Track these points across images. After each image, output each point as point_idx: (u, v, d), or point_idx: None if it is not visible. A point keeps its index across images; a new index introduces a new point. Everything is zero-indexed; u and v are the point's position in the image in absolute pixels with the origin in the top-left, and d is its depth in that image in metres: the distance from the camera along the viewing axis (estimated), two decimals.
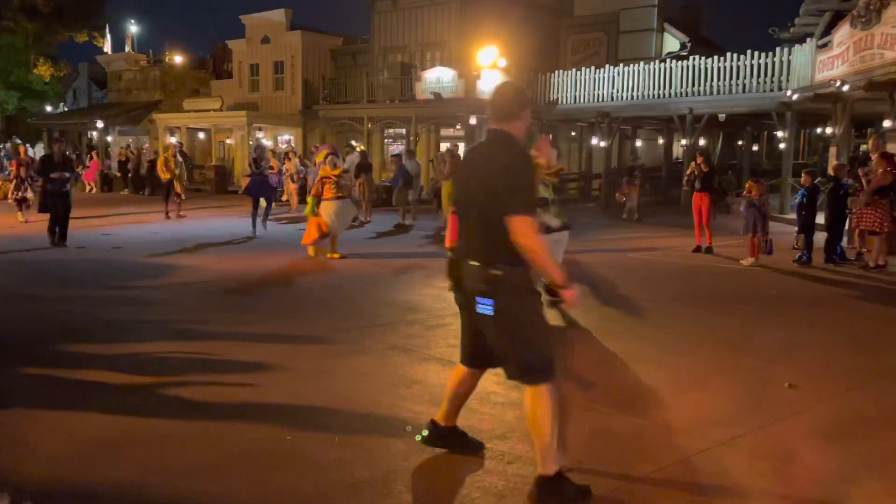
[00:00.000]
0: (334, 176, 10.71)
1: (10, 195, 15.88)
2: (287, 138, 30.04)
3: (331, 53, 30.13)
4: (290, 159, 20.22)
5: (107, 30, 38.91)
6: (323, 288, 8.85)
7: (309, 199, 10.99)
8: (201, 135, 31.38)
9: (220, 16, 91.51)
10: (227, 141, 30.91)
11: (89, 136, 34.51)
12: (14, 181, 15.60)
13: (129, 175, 26.89)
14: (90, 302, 7.71)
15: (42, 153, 26.09)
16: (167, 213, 16.76)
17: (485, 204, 3.29)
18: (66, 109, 43.54)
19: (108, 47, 38.70)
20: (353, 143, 23.49)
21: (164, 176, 16.77)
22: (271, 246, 12.41)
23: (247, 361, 5.59)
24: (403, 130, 25.29)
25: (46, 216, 12.11)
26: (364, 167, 17.34)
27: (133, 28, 37.20)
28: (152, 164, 25.92)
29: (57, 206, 11.83)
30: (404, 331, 6.56)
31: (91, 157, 27.75)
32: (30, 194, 15.28)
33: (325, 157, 11.00)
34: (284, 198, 20.10)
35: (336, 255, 10.84)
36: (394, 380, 5.14)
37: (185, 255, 11.17)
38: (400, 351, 5.90)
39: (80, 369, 5.28)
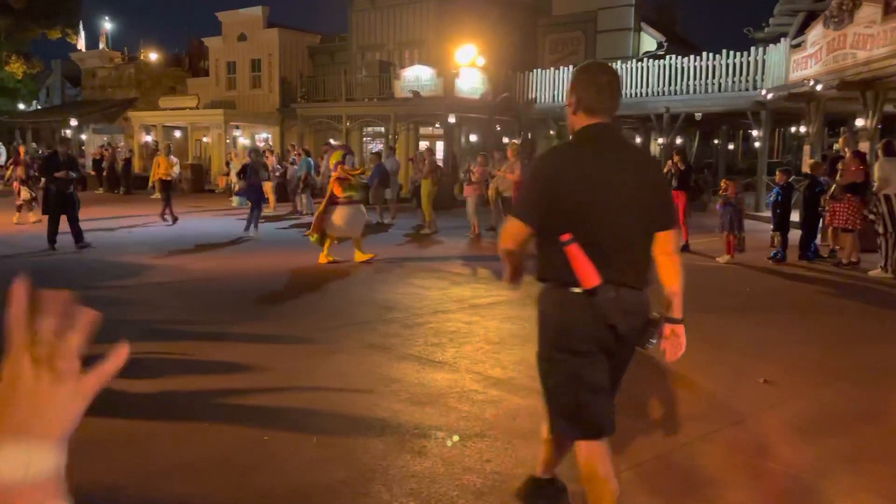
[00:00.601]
0: (352, 176, 10.24)
1: (19, 197, 14.95)
2: (264, 136, 29.84)
3: (309, 51, 29.98)
4: (267, 157, 20.05)
5: (80, 27, 38.38)
6: (301, 287, 8.80)
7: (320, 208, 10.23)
8: (177, 133, 31.07)
9: (195, 13, 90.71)
10: (204, 139, 30.65)
11: (63, 134, 34.03)
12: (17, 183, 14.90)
13: (105, 174, 26.56)
14: None
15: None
16: (164, 215, 15.60)
17: (647, 216, 2.68)
18: (39, 107, 42.87)
19: (81, 44, 38.18)
20: (332, 141, 23.38)
21: (161, 176, 15.88)
22: (249, 246, 12.31)
23: (223, 362, 5.55)
24: (382, 129, 25.24)
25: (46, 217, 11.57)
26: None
27: (107, 25, 36.80)
28: (128, 162, 25.64)
29: (59, 208, 11.33)
30: (382, 329, 6.54)
31: None
32: (27, 195, 14.60)
33: (343, 158, 10.40)
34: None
35: (369, 256, 10.31)
36: (372, 379, 5.12)
37: (161, 255, 11.04)
38: (378, 350, 5.88)
39: None
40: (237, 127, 28.80)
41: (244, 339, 6.24)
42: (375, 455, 3.80)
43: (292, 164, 20.04)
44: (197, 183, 26.47)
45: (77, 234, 11.46)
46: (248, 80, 29.98)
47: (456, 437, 4.00)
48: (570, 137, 2.79)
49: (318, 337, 6.29)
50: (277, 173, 19.87)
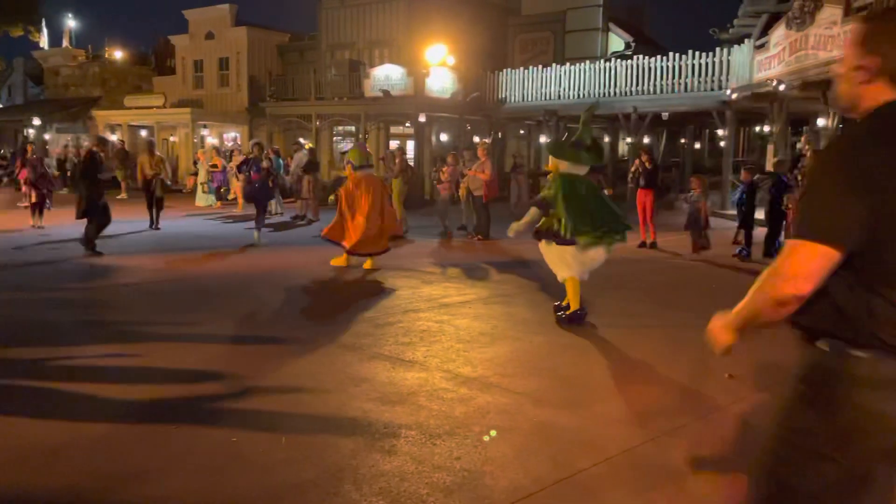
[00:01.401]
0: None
1: (26, 199, 14.36)
2: (233, 136, 29.56)
3: (277, 50, 29.76)
4: (234, 157, 19.89)
5: (43, 24, 37.64)
6: (270, 287, 8.74)
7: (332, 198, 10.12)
8: (143, 132, 30.63)
9: (161, 10, 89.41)
10: (171, 139, 30.26)
11: (25, 133, 33.33)
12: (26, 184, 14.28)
13: (68, 174, 26.05)
14: (26, 304, 7.45)
15: None
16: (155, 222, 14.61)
17: None
18: (0, 106, 41.93)
19: (44, 42, 37.44)
20: (302, 140, 23.25)
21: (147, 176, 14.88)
22: (217, 246, 12.18)
23: (191, 363, 5.49)
24: (353, 128, 25.15)
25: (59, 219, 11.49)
26: (312, 165, 17.16)
27: (71, 22, 36.13)
28: None
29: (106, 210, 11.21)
30: (353, 329, 6.53)
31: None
32: (34, 198, 14.07)
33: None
34: (231, 196, 19.77)
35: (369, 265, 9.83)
36: (342, 378, 5.10)
37: (128, 256, 10.88)
38: (348, 349, 5.87)
39: (15, 374, 5.10)
40: (205, 126, 28.48)
41: (212, 340, 6.18)
42: (345, 454, 3.79)
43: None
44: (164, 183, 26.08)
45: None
46: (216, 79, 29.66)
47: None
48: (860, 120, 1.88)
49: (288, 337, 6.25)
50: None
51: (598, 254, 6.69)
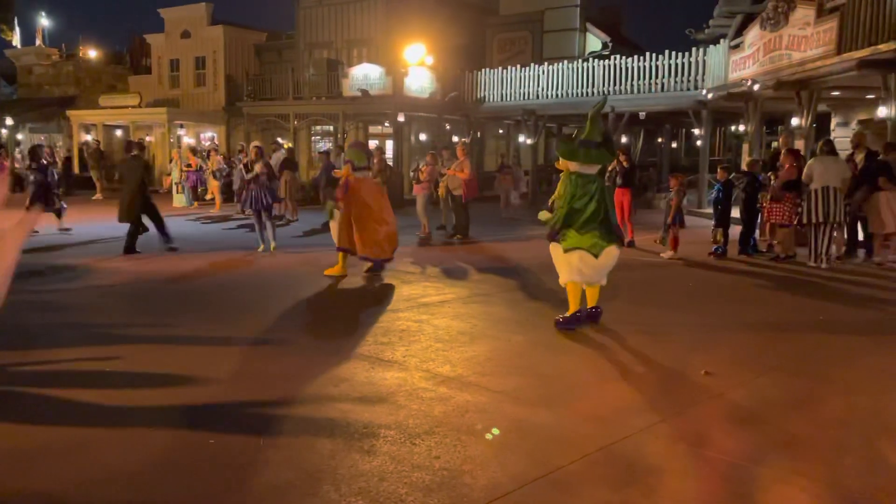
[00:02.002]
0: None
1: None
2: (210, 135, 29.32)
3: (255, 49, 29.56)
4: (212, 157, 19.74)
5: (15, 22, 37.02)
6: (248, 288, 8.69)
7: (329, 204, 9.64)
8: (119, 132, 30.29)
9: (137, 9, 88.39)
10: (147, 139, 29.93)
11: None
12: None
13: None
14: None
15: None
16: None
17: None
18: None
19: (17, 41, 36.80)
20: (280, 140, 23.13)
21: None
22: (194, 247, 12.08)
23: (167, 364, 5.45)
24: (331, 128, 25.06)
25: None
26: (289, 164, 17.09)
27: (44, 21, 35.56)
28: (67, 161, 24.85)
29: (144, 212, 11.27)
30: (331, 329, 6.52)
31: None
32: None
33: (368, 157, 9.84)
34: (209, 196, 19.61)
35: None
36: (321, 379, 5.09)
37: (103, 257, 10.77)
38: (327, 350, 5.85)
39: None
40: (181, 126, 28.22)
41: (189, 342, 6.14)
42: (324, 455, 3.79)
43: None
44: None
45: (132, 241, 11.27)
46: (193, 78, 29.40)
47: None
48: None
49: (266, 338, 6.23)
50: (224, 173, 19.57)
51: (609, 258, 6.54)
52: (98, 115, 28.72)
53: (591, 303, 6.78)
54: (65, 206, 14.26)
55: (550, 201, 6.85)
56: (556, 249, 6.64)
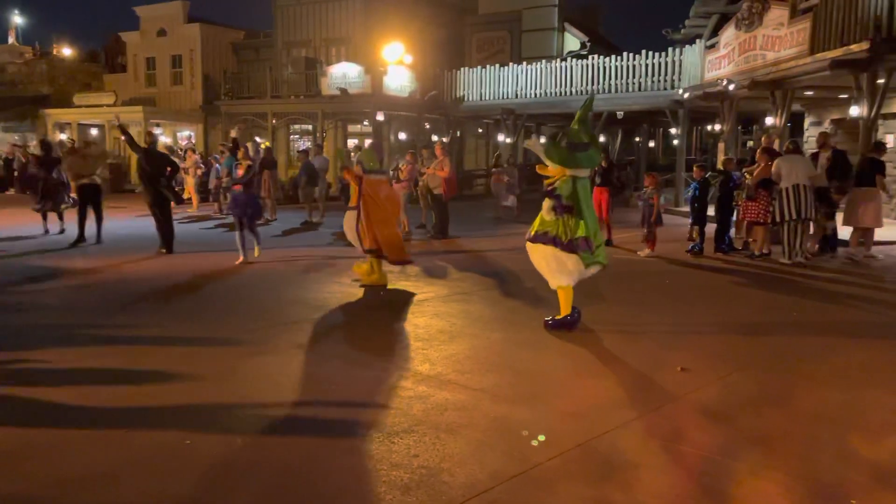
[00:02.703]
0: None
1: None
2: (187, 134, 29.08)
3: (232, 47, 29.37)
4: (189, 156, 19.57)
5: None
6: (227, 288, 8.64)
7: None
8: (94, 131, 29.93)
9: (112, 6, 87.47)
10: (123, 138, 29.62)
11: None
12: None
13: (16, 174, 25.29)
14: None
15: None
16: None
17: None
18: None
19: None
20: (258, 139, 23.00)
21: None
22: (175, 247, 11.95)
23: (144, 365, 5.41)
24: (310, 126, 24.96)
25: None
26: (268, 163, 16.98)
27: (17, 19, 35.08)
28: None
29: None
30: (310, 329, 6.50)
31: None
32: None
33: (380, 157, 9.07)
34: (185, 196, 19.43)
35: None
36: (299, 379, 5.08)
37: (78, 257, 10.64)
38: (306, 349, 5.84)
39: None
40: (158, 125, 27.96)
41: (166, 342, 6.09)
42: (301, 455, 3.78)
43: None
44: (116, 183, 25.58)
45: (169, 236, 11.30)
46: (169, 77, 29.14)
47: (542, 437, 3.99)
48: None
49: (245, 338, 6.19)
50: (200, 171, 19.41)
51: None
52: (73, 114, 28.38)
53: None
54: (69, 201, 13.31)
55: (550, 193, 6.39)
56: (555, 253, 6.33)
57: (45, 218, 13.13)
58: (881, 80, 11.49)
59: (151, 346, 5.98)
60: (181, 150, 22.42)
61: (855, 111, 12.03)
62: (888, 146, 14.28)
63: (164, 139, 27.93)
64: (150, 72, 29.62)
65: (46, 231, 13.05)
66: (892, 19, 10.83)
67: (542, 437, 3.98)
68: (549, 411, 4.51)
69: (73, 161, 12.39)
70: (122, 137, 11.45)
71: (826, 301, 8.05)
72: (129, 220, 15.85)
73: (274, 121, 24.40)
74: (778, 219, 10.23)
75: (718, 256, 11.12)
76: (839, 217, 11.17)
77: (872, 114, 11.65)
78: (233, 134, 11.35)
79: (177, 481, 3.50)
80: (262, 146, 19.68)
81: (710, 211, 11.81)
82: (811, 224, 10.65)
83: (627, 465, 3.73)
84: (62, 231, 12.86)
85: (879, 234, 11.25)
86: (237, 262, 10.01)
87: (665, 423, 4.34)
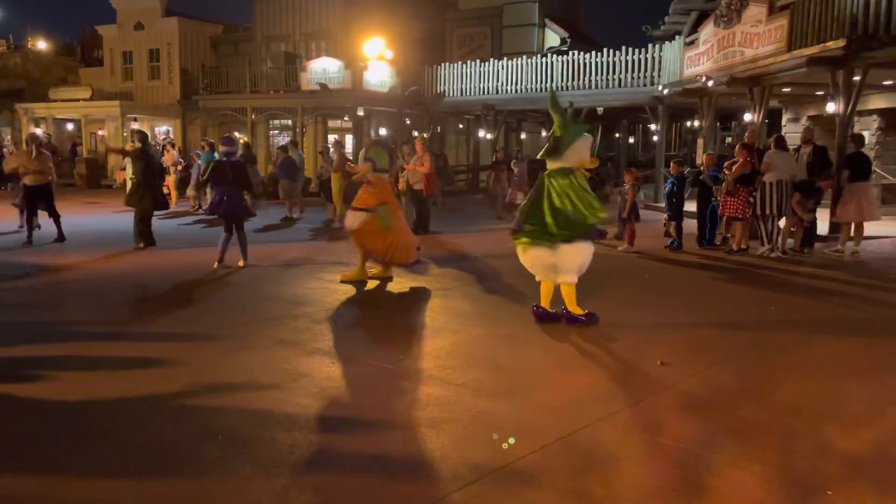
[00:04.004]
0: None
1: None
2: (165, 129, 28.78)
3: (211, 41, 29.09)
4: (167, 151, 19.36)
5: None
6: (206, 284, 8.56)
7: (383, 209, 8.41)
8: (70, 126, 29.53)
9: None
10: (100, 132, 29.25)
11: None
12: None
13: None
14: None
15: None
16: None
17: None
18: None
19: None
20: (237, 134, 22.79)
21: None
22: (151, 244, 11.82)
23: (123, 361, 5.35)
24: (289, 122, 24.80)
25: None
26: (247, 159, 16.83)
27: None
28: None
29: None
30: (291, 325, 6.46)
31: None
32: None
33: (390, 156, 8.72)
34: (165, 191, 19.21)
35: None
36: (280, 374, 5.05)
37: (55, 254, 10.50)
38: (286, 345, 5.81)
39: None
40: (135, 119, 27.63)
41: (145, 337, 6.03)
42: (282, 450, 3.76)
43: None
44: (93, 178, 25.29)
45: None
46: (147, 71, 28.81)
47: (512, 440, 3.88)
48: None
49: (225, 334, 6.14)
50: (179, 167, 19.21)
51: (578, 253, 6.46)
52: (48, 108, 27.98)
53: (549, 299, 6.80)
54: None
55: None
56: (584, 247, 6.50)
57: (22, 213, 12.90)
58: (857, 77, 11.63)
59: (128, 341, 5.91)
60: (159, 145, 22.16)
61: (831, 108, 12.17)
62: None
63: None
64: (127, 66, 29.27)
65: (23, 226, 12.83)
66: (869, 17, 10.96)
67: (511, 441, 3.87)
68: (530, 405, 4.52)
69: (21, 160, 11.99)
70: (120, 155, 11.19)
71: (804, 296, 8.15)
72: (111, 217, 15.64)
73: (253, 116, 24.21)
74: (759, 211, 10.38)
75: (697, 251, 11.21)
76: (823, 213, 11.32)
77: (848, 110, 11.80)
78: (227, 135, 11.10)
79: (157, 478, 3.46)
80: (241, 141, 19.50)
81: (688, 206, 11.89)
82: (784, 219, 10.82)
83: (608, 459, 3.75)
84: (38, 227, 12.64)
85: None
86: (214, 266, 9.29)
87: (645, 415, 4.37)
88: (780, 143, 10.65)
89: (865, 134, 15.28)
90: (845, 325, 6.79)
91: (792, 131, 17.20)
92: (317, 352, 5.63)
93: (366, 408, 4.39)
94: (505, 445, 3.83)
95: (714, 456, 3.79)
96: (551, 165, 6.42)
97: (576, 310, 6.58)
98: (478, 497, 3.31)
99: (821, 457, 3.81)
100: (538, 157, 6.58)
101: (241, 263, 9.42)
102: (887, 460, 3.77)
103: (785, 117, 19.01)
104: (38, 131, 27.64)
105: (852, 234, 10.92)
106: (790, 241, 10.99)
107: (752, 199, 10.53)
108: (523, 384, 4.97)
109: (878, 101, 15.20)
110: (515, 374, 5.18)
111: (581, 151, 6.42)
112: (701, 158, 12.34)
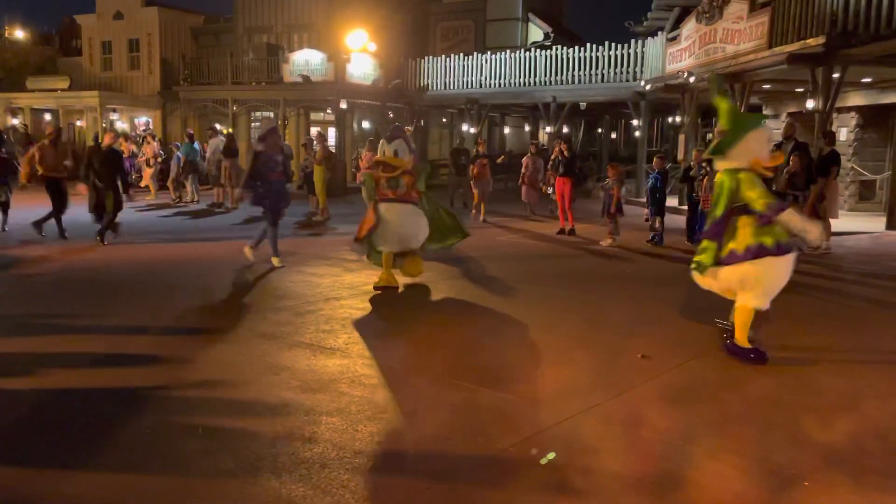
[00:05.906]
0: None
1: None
2: (144, 120, 28.47)
3: (191, 32, 28.78)
4: (148, 143, 19.16)
5: None
6: (187, 277, 8.49)
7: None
8: (47, 116, 29.11)
9: None
10: (78, 123, 28.88)
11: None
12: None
13: None
14: None
15: None
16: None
17: None
18: None
19: None
20: (218, 126, 22.59)
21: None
22: (130, 237, 11.71)
23: (103, 354, 5.30)
24: (271, 114, 24.61)
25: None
26: (229, 151, 16.72)
27: None
28: None
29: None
30: (273, 318, 6.43)
31: None
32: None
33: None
34: (143, 184, 19.04)
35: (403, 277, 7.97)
36: (261, 367, 5.03)
37: (32, 246, 10.37)
38: (268, 338, 5.78)
39: None
40: (114, 110, 27.32)
41: (125, 331, 5.98)
42: (264, 443, 3.74)
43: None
44: (71, 169, 24.89)
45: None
46: (126, 61, 28.46)
47: (551, 455, 3.66)
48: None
49: (205, 327, 6.11)
50: (160, 159, 19.03)
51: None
52: (25, 98, 27.55)
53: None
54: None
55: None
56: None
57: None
58: (836, 75, 11.75)
59: (108, 334, 5.85)
60: (139, 136, 21.94)
61: (810, 104, 12.29)
62: (840, 139, 14.70)
63: (120, 124, 27.32)
64: (107, 56, 28.89)
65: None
66: (848, 14, 11.08)
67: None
68: (512, 398, 4.54)
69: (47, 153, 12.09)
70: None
71: (784, 291, 8.22)
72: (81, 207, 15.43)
73: (235, 108, 24.01)
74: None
75: (678, 246, 11.27)
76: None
77: (827, 107, 11.92)
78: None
79: (138, 472, 3.44)
80: (223, 133, 19.35)
81: (672, 202, 11.96)
82: None
83: (588, 450, 3.77)
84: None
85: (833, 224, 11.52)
86: (246, 253, 8.95)
87: (626, 408, 4.40)
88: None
89: (843, 131, 15.46)
90: (822, 318, 6.88)
91: (772, 127, 17.34)
92: (299, 345, 5.61)
93: (347, 400, 4.38)
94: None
95: (693, 448, 3.83)
96: (719, 166, 5.40)
97: (743, 342, 5.40)
98: (457, 489, 3.32)
99: (797, 448, 3.86)
100: (704, 155, 5.52)
101: (275, 262, 8.94)
102: (862, 452, 3.83)
103: (765, 113, 19.16)
104: (16, 122, 27.26)
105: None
106: None
107: None
108: (505, 377, 4.98)
109: (856, 99, 15.37)
110: (497, 367, 5.19)
111: (754, 147, 5.18)
112: (686, 154, 12.35)
